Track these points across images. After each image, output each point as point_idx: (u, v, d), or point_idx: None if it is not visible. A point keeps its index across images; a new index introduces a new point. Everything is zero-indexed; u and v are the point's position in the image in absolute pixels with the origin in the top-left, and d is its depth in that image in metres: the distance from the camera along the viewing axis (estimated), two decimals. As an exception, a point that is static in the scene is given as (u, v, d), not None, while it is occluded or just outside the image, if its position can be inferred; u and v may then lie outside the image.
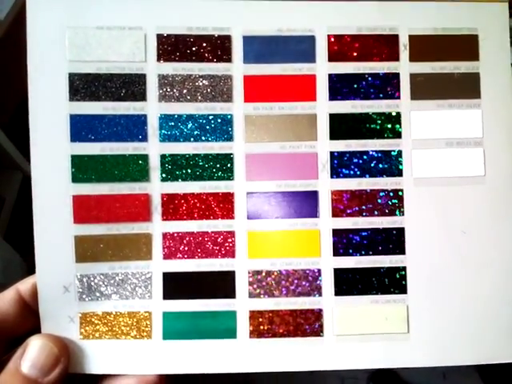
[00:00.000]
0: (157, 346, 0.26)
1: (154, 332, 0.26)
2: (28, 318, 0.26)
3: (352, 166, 0.27)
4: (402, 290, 0.27)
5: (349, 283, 0.27)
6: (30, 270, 0.25)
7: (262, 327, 0.26)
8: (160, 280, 0.26)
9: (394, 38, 0.27)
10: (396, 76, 0.27)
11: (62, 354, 0.25)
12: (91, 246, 0.26)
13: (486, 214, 0.27)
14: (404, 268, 0.27)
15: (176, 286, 0.26)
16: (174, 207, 0.26)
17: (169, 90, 0.26)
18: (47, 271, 0.26)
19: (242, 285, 0.26)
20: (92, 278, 0.26)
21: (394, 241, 0.27)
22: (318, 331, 0.26)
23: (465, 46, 0.27)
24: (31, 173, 0.25)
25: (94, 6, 0.26)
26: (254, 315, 0.26)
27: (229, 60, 0.27)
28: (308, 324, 0.26)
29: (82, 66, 0.26)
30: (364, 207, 0.27)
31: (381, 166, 0.27)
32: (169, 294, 0.26)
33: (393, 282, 0.27)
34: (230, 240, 0.27)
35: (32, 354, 0.24)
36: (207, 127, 0.26)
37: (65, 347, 0.26)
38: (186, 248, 0.26)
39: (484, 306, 0.27)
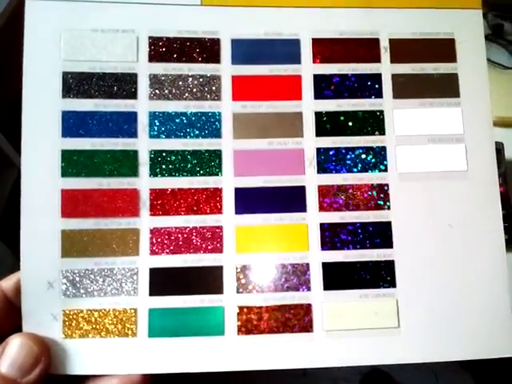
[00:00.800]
0: (142, 344, 0.25)
1: (140, 329, 0.26)
2: (10, 317, 0.26)
3: (338, 162, 0.27)
4: (391, 283, 0.26)
5: (337, 277, 0.26)
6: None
7: (250, 323, 0.26)
8: (146, 276, 0.26)
9: (375, 42, 0.28)
10: (378, 76, 0.28)
11: (42, 354, 0.24)
12: (78, 240, 0.26)
13: (470, 208, 0.27)
14: (392, 262, 0.27)
15: (163, 281, 0.26)
16: (162, 202, 0.27)
17: (159, 88, 0.27)
18: (32, 266, 0.25)
19: (229, 280, 0.26)
20: (77, 274, 0.26)
21: (381, 234, 0.27)
22: (307, 327, 0.26)
23: (442, 49, 0.28)
24: (21, 166, 0.26)
25: (90, 10, 0.27)
26: (242, 311, 0.26)
27: (217, 61, 0.28)
28: (297, 319, 0.26)
29: (76, 65, 0.27)
30: (350, 202, 0.27)
31: (366, 161, 0.27)
32: (155, 290, 0.26)
33: (381, 276, 0.26)
34: (217, 235, 0.27)
35: (11, 352, 0.24)
36: (196, 124, 0.27)
37: (46, 346, 0.25)
38: (174, 243, 0.26)
39: (475, 299, 0.26)
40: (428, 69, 0.28)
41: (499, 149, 0.57)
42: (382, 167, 0.27)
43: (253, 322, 0.26)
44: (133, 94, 0.27)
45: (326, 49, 0.28)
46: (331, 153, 0.27)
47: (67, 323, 0.25)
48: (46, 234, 0.26)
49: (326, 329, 0.26)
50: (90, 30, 0.27)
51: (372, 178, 0.27)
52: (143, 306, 0.26)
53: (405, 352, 0.26)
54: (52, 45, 0.26)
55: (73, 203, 0.26)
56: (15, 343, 0.24)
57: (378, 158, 0.27)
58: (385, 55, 0.28)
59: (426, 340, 0.26)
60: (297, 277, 0.26)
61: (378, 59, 0.28)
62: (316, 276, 0.26)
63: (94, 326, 0.26)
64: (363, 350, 0.26)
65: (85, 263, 0.26)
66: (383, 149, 0.27)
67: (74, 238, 0.26)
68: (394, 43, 0.28)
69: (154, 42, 0.27)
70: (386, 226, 0.27)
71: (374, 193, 0.27)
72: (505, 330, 0.26)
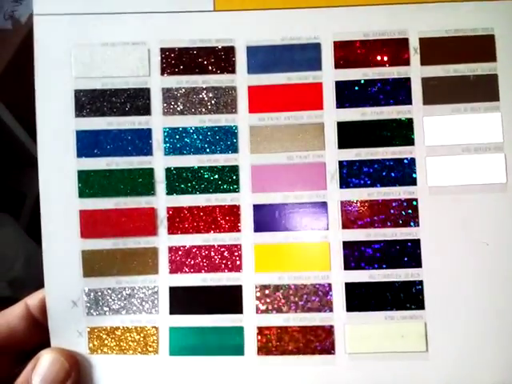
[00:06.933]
0: (164, 361, 0.26)
1: (161, 347, 0.26)
2: (36, 333, 0.26)
3: (362, 176, 0.26)
4: (420, 305, 0.25)
5: (361, 298, 0.25)
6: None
7: (270, 344, 0.25)
8: (166, 295, 0.26)
9: (404, 42, 0.26)
10: (407, 81, 0.26)
11: (72, 369, 0.25)
12: (98, 260, 0.26)
13: (509, 224, 0.25)
14: (421, 282, 0.25)
15: (182, 300, 0.26)
16: (179, 220, 0.26)
17: (173, 103, 0.26)
18: (56, 286, 0.26)
19: (249, 300, 0.26)
20: (99, 293, 0.26)
21: (409, 253, 0.25)
22: (329, 349, 0.25)
23: (480, 47, 0.25)
24: (39, 189, 0.26)
25: (99, 23, 0.26)
26: (262, 331, 0.25)
27: (233, 71, 0.26)
28: (318, 341, 0.25)
29: (88, 82, 0.26)
30: (376, 218, 0.25)
31: (393, 174, 0.26)
32: (175, 308, 0.26)
33: (409, 297, 0.25)
34: (236, 253, 0.26)
35: (43, 367, 0.24)
36: (212, 139, 0.26)
37: (75, 361, 0.26)
38: (192, 262, 0.26)
39: (508, 323, 0.25)
40: (463, 70, 0.25)
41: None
42: (411, 180, 0.25)
43: (273, 343, 0.25)
44: (146, 110, 0.26)
45: (348, 52, 0.26)
46: (355, 166, 0.26)
47: (92, 339, 0.26)
48: (66, 254, 0.26)
49: (348, 351, 0.25)
50: (99, 45, 0.26)
51: (399, 192, 0.25)
52: (164, 325, 0.26)
53: (432, 378, 0.24)
54: (62, 62, 0.26)
55: (91, 224, 0.26)
56: (47, 358, 0.25)
57: (406, 171, 0.25)
58: (415, 57, 0.26)
59: (455, 366, 0.25)
60: (318, 297, 0.25)
61: (407, 62, 0.26)
62: (339, 297, 0.25)
63: (118, 343, 0.26)
64: (388, 375, 0.25)
65: (106, 282, 0.26)
66: (412, 160, 0.25)
67: (95, 258, 0.26)
68: (426, 43, 0.25)
69: (166, 53, 0.26)
70: (415, 244, 0.25)
71: (402, 208, 0.25)
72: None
